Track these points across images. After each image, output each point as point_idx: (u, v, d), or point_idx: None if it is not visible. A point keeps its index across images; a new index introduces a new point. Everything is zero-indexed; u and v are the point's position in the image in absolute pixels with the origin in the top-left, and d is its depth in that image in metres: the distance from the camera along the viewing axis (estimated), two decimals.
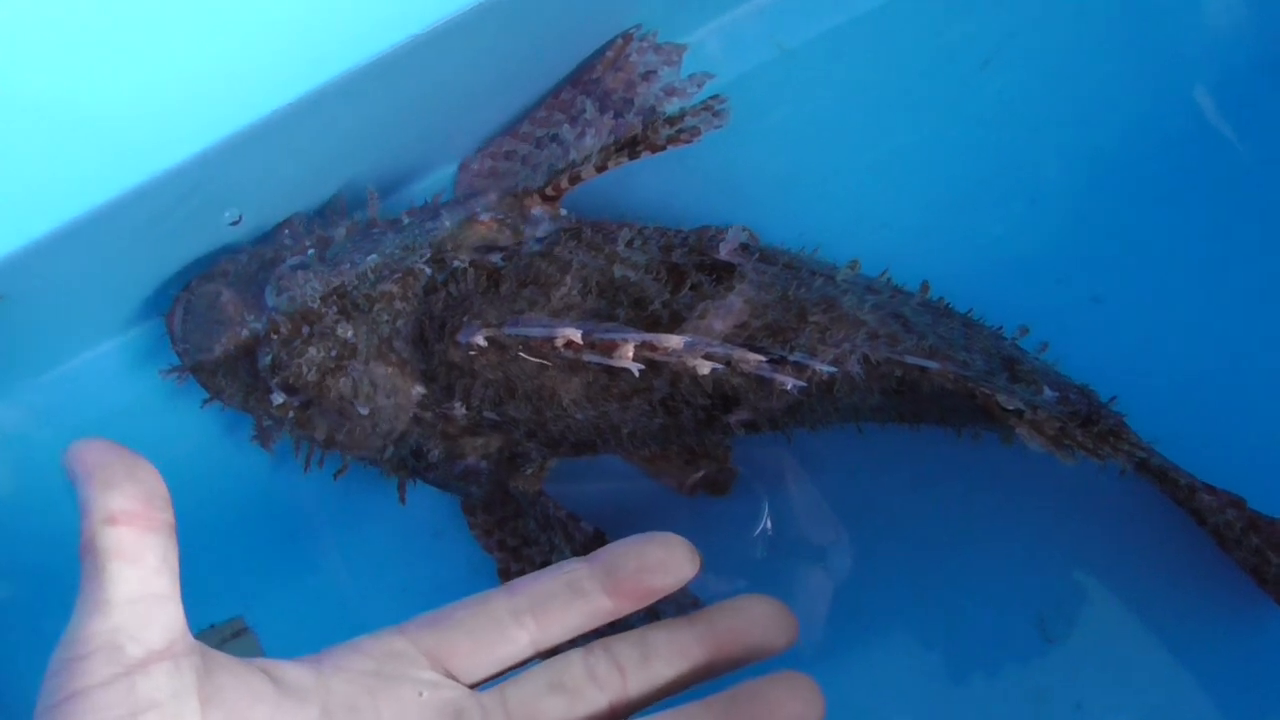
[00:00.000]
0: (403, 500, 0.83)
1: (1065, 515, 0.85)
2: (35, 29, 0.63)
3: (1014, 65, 0.90)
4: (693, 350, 0.68)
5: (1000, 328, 0.81)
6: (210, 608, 0.88)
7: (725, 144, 0.87)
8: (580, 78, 0.88)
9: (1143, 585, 0.84)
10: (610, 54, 0.87)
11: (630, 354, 0.68)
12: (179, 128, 0.72)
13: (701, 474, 0.84)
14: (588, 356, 0.69)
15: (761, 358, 0.68)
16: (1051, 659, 0.83)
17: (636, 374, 0.69)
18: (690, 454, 0.84)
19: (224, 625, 0.88)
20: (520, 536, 0.83)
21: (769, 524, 0.87)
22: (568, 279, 0.74)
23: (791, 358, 0.70)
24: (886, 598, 0.86)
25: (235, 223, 0.81)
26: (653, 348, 0.68)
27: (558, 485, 0.85)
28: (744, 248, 0.78)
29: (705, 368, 0.68)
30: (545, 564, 0.82)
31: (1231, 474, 0.77)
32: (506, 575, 0.84)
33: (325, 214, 0.86)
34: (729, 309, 0.73)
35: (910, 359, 0.71)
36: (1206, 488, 0.77)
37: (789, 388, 0.69)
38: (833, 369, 0.69)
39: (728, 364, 0.68)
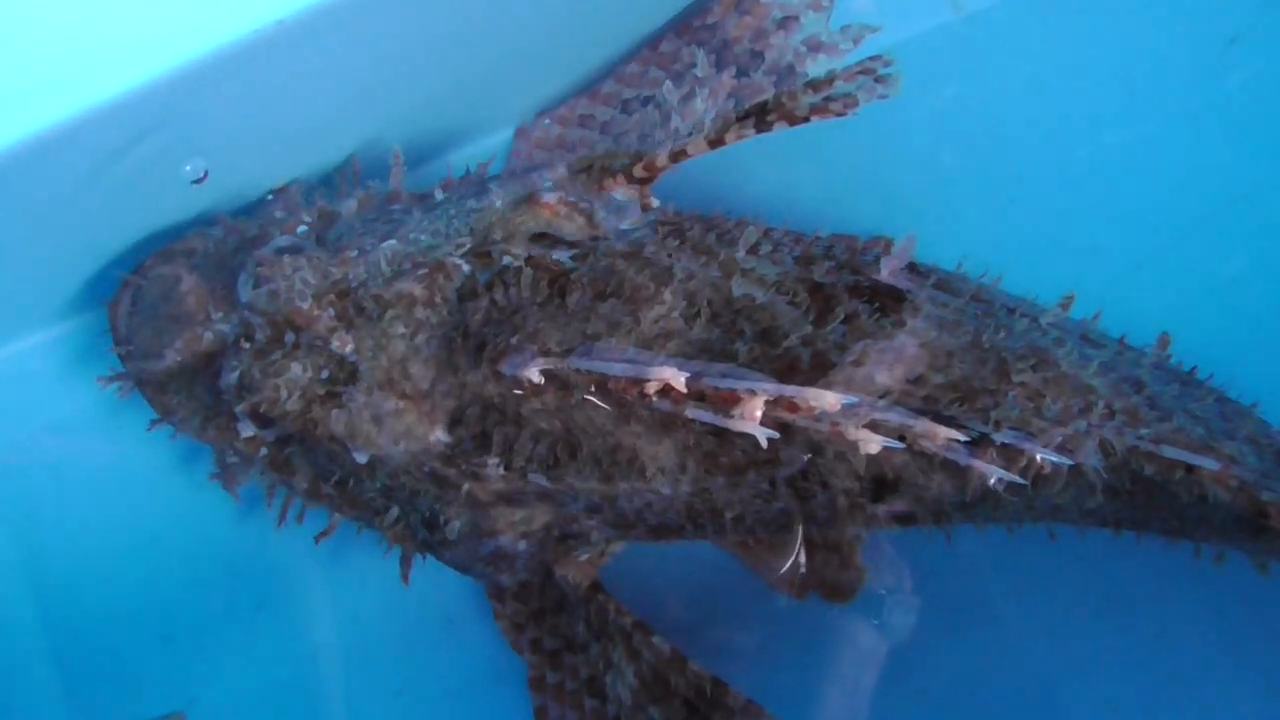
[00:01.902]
0: (405, 580, 0.65)
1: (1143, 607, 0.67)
2: None
3: (1266, 51, 0.72)
4: (851, 416, 0.46)
5: (1257, 405, 0.60)
6: (147, 697, 0.73)
7: (873, 126, 0.65)
8: (689, 23, 0.71)
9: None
10: None
11: (757, 414, 0.48)
12: (130, 43, 0.53)
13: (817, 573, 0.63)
14: (692, 411, 0.50)
15: (957, 434, 0.46)
16: None
17: (765, 443, 0.47)
18: (809, 546, 0.63)
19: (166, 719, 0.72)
20: (562, 639, 0.66)
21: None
22: (667, 294, 0.55)
23: (998, 437, 0.47)
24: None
25: (199, 180, 0.62)
26: (793, 407, 0.48)
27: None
28: (912, 268, 0.57)
29: (872, 444, 0.46)
30: (592, 679, 0.64)
31: None
32: (540, 686, 0.66)
33: (333, 181, 0.68)
34: (898, 354, 0.52)
35: (1171, 452, 0.49)
36: None
37: (993, 482, 0.47)
38: (1063, 460, 0.47)
39: (903, 440, 0.46)
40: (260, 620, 0.73)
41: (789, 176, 0.72)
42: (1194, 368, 0.62)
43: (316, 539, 0.67)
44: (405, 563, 0.66)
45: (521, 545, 0.60)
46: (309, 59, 0.58)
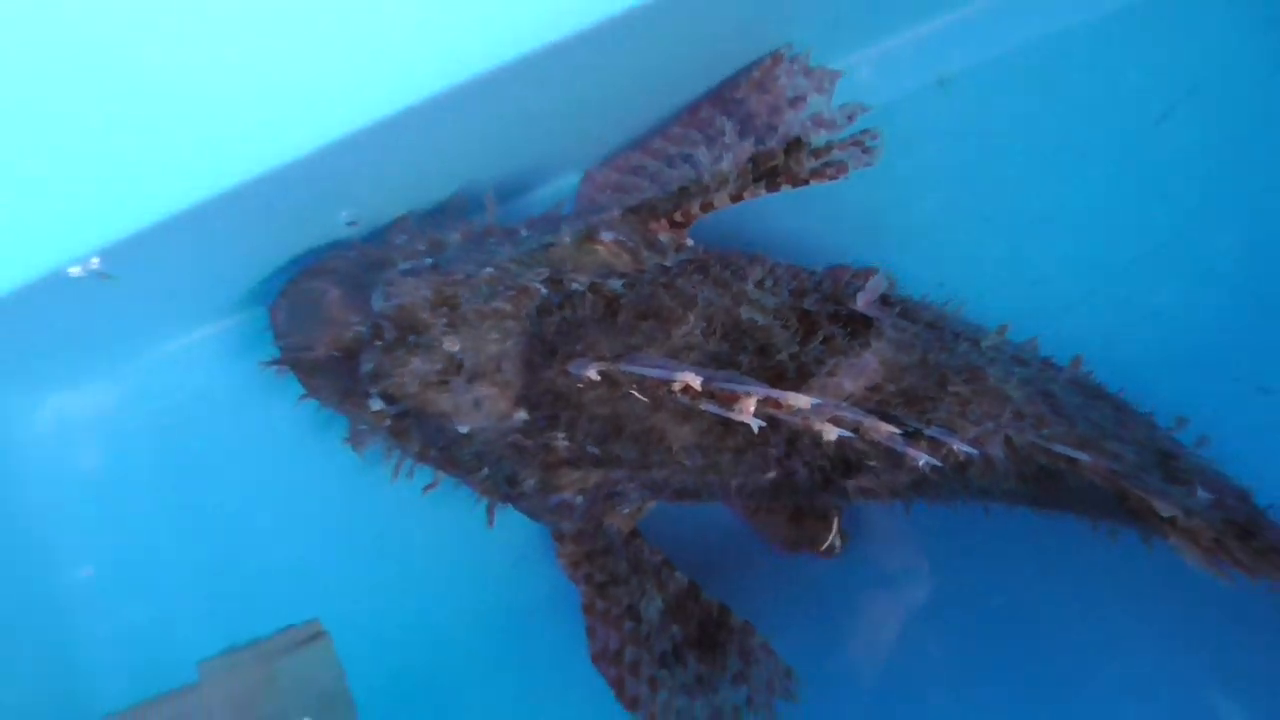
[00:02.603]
0: (491, 524, 0.80)
1: (1147, 599, 0.79)
2: (160, 17, 0.60)
3: (1196, 121, 0.85)
4: (820, 413, 0.63)
5: (1152, 414, 0.74)
6: (284, 608, 0.87)
7: (870, 178, 0.80)
8: (722, 95, 0.84)
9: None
10: (757, 74, 0.83)
11: (751, 408, 0.63)
12: (298, 122, 0.69)
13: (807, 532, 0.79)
14: (705, 405, 0.64)
15: (894, 429, 0.63)
16: None
17: (756, 430, 0.64)
18: (798, 512, 0.79)
19: (301, 627, 0.87)
20: (609, 574, 0.80)
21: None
22: (691, 316, 0.70)
23: (928, 431, 0.64)
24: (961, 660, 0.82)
25: (352, 224, 0.78)
26: (776, 405, 0.63)
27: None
28: (884, 299, 0.72)
29: (831, 433, 0.63)
30: (631, 607, 0.79)
31: None
32: (591, 610, 0.81)
33: (440, 216, 0.83)
34: (862, 368, 0.68)
35: (1058, 448, 0.65)
36: None
37: (921, 464, 0.64)
38: (972, 450, 0.64)
39: (856, 431, 0.63)
40: (376, 553, 0.88)
41: (801, 218, 0.85)
42: (1090, 373, 0.74)
43: (424, 490, 0.81)
44: (490, 510, 0.80)
45: (579, 500, 0.75)
46: (434, 128, 0.73)
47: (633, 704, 0.79)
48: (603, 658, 0.80)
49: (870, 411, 0.64)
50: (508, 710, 0.86)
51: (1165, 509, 0.63)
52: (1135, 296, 0.83)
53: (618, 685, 0.79)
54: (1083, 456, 0.64)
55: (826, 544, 0.79)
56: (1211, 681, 0.77)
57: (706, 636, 0.77)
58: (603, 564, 0.80)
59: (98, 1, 0.60)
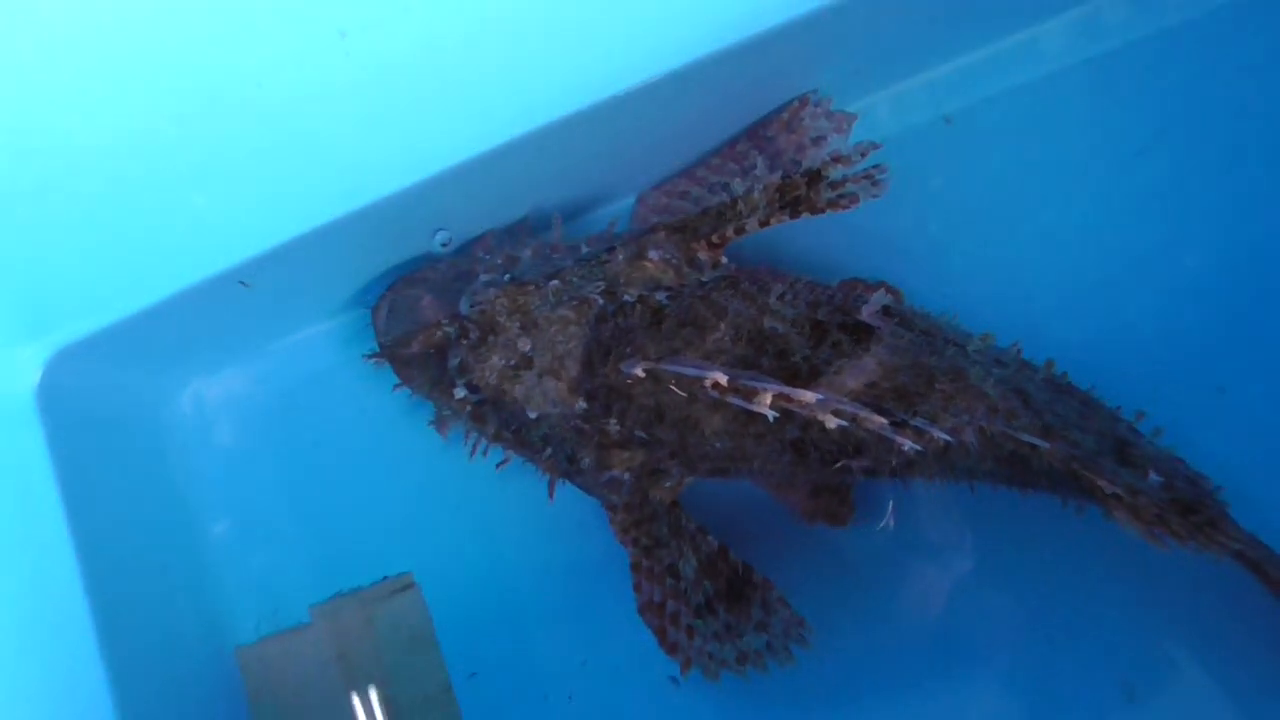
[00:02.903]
0: (551, 498, 0.93)
1: (1164, 585, 0.90)
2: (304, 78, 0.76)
3: (1169, 157, 0.95)
4: (823, 406, 0.76)
5: (1119, 409, 0.86)
6: (381, 561, 1.01)
7: (885, 204, 0.92)
8: (756, 132, 0.97)
9: (1231, 661, 0.88)
10: (786, 115, 0.95)
11: (768, 401, 0.76)
12: (403, 160, 0.84)
13: (822, 506, 0.92)
14: (730, 398, 0.77)
15: (884, 420, 0.75)
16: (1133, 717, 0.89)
17: (771, 419, 0.77)
18: (815, 487, 0.92)
19: (395, 578, 1.00)
20: (653, 538, 0.92)
21: (892, 521, 0.94)
22: (722, 325, 0.83)
23: (913, 422, 0.77)
24: (989, 620, 0.93)
25: (445, 245, 0.92)
26: (788, 399, 0.75)
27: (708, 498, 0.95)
28: (885, 310, 0.85)
29: (832, 422, 0.76)
30: (671, 566, 0.92)
31: None
32: (638, 569, 0.93)
33: (515, 233, 0.96)
34: (863, 369, 0.81)
35: (1024, 436, 0.78)
36: None
37: (906, 449, 0.77)
38: (949, 437, 0.77)
39: (853, 421, 0.76)
40: (457, 518, 0.99)
41: (824, 238, 0.96)
42: (1065, 374, 0.85)
43: (497, 466, 0.95)
44: (551, 485, 0.93)
45: (626, 476, 0.89)
46: (515, 163, 0.86)
47: (673, 649, 0.91)
48: (648, 609, 0.91)
49: (867, 405, 0.77)
50: (567, 652, 0.97)
51: (1108, 488, 0.75)
52: (1112, 308, 0.94)
53: (660, 633, 0.91)
54: (1043, 443, 0.77)
55: (842, 517, 0.92)
56: (1168, 634, 0.90)
57: (734, 591, 0.89)
58: (648, 530, 0.91)
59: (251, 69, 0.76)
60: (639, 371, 0.81)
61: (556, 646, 0.98)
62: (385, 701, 0.99)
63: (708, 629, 0.90)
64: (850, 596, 0.94)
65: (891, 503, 0.94)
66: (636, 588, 0.92)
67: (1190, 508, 0.79)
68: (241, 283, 0.88)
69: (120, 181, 0.78)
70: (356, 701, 0.99)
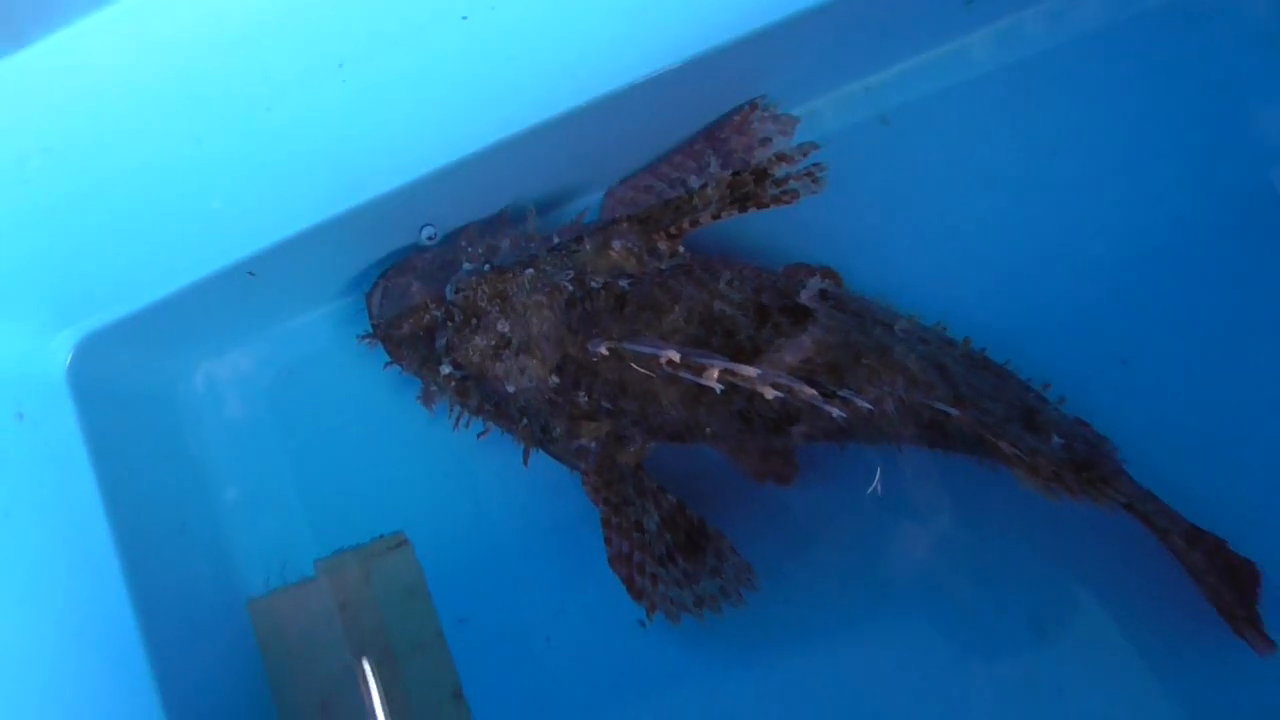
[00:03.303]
0: (525, 463, 1.02)
1: (1071, 536, 1.01)
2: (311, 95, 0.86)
3: (1079, 155, 1.06)
4: (763, 379, 0.86)
5: (1030, 380, 0.97)
6: (376, 521, 1.10)
7: (829, 197, 1.02)
8: (711, 134, 1.06)
9: (1129, 596, 1.00)
10: (738, 118, 1.05)
11: (715, 376, 0.85)
12: (394, 160, 0.94)
13: (771, 467, 1.04)
14: (683, 373, 0.87)
15: (814, 391, 0.86)
16: (1044, 653, 1.01)
17: (718, 391, 0.88)
18: (764, 450, 1.03)
19: (389, 537, 1.08)
20: (621, 497, 1.00)
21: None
22: (677, 308, 0.93)
23: (840, 393, 0.88)
24: (918, 568, 1.04)
25: (431, 239, 1.03)
26: (732, 374, 0.85)
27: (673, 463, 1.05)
28: (822, 294, 0.96)
29: (770, 394, 0.86)
30: (637, 521, 1.00)
31: (1229, 513, 0.94)
32: (608, 525, 1.01)
33: (494, 225, 1.06)
34: (799, 347, 0.91)
35: (938, 405, 0.89)
36: (1189, 531, 0.92)
37: (834, 416, 0.88)
38: (870, 407, 0.88)
39: (789, 393, 0.87)
40: (444, 482, 1.07)
41: (775, 228, 1.04)
42: (984, 351, 0.95)
43: (479, 436, 1.03)
44: (526, 453, 1.01)
45: (594, 445, 0.98)
46: (498, 167, 0.96)
47: (639, 595, 0.99)
48: (617, 560, 0.99)
49: (801, 379, 0.87)
50: (545, 600, 1.07)
51: (1008, 449, 0.87)
52: (1028, 289, 1.04)
53: (628, 582, 0.99)
54: (954, 411, 0.88)
55: (785, 471, 1.03)
56: (1072, 573, 1.01)
57: (691, 542, 0.99)
58: (616, 490, 1.00)
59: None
60: (604, 350, 0.90)
61: (536, 595, 1.08)
62: (383, 646, 1.10)
63: (669, 576, 1.00)
64: (795, 548, 1.05)
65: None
66: (607, 541, 1.01)
67: (1085, 466, 0.91)
68: (249, 273, 0.99)
69: (145, 192, 0.88)
70: (357, 647, 1.10)
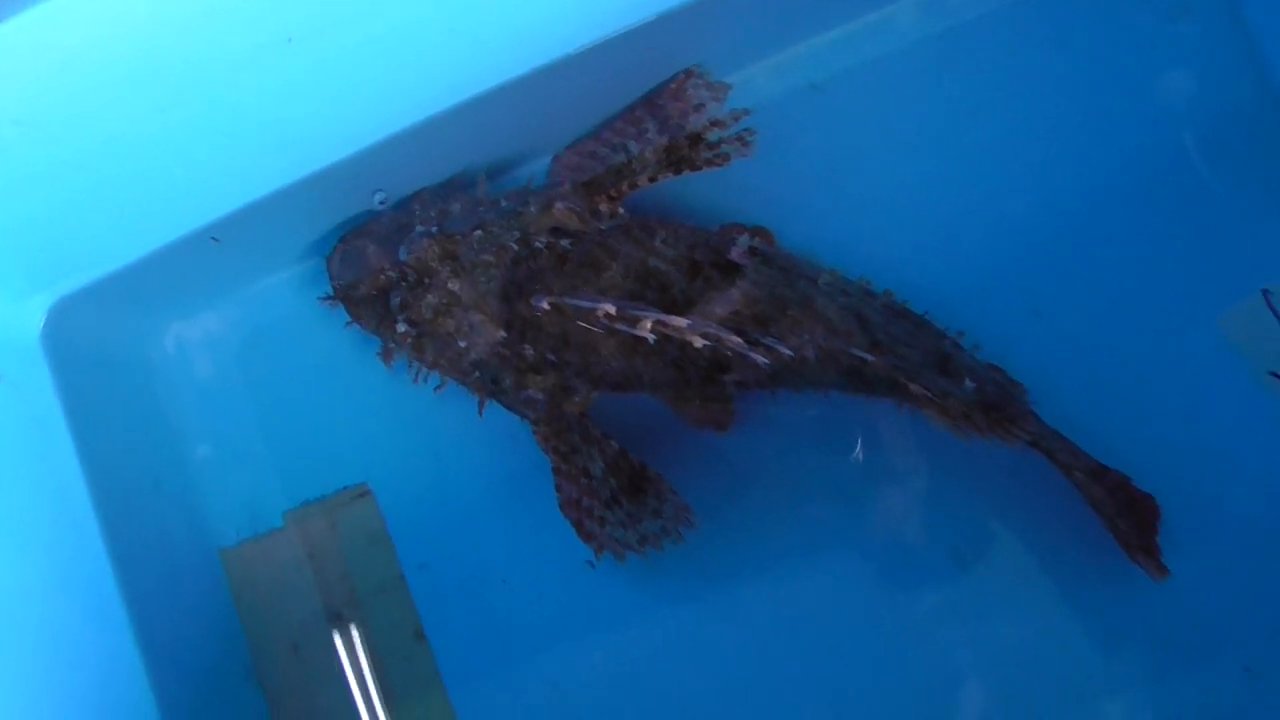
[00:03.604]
0: (480, 414, 1.06)
1: (986, 472, 1.09)
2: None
3: (997, 118, 1.12)
4: (692, 329, 0.93)
5: (948, 329, 1.04)
6: (340, 473, 1.15)
7: (764, 160, 1.09)
8: (651, 100, 1.11)
9: (1041, 529, 1.08)
10: (674, 85, 1.10)
11: (649, 327, 0.92)
12: (346, 129, 1.00)
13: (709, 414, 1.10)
14: (619, 325, 0.92)
15: (740, 340, 0.93)
16: (962, 582, 1.09)
17: (651, 341, 0.95)
18: (703, 399, 1.10)
19: (352, 488, 1.13)
20: (569, 445, 1.06)
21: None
22: (614, 265, 0.98)
23: (764, 341, 0.95)
24: (847, 507, 1.12)
25: (383, 203, 1.09)
26: (664, 325, 0.91)
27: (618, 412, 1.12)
28: (752, 251, 1.02)
29: (699, 342, 0.93)
30: (584, 468, 1.07)
31: (1132, 450, 1.02)
32: (558, 472, 1.08)
33: (446, 189, 1.10)
34: (728, 300, 0.98)
35: (855, 351, 0.96)
36: (1093, 468, 1.00)
37: (760, 363, 0.95)
38: (791, 353, 0.95)
39: (717, 341, 0.94)
40: (404, 434, 1.12)
41: (714, 189, 1.09)
42: (906, 303, 1.01)
43: (435, 389, 1.06)
44: (480, 405, 1.05)
45: (541, 396, 1.03)
46: (445, 131, 1.00)
47: (588, 538, 1.06)
48: (567, 505, 1.05)
49: (729, 329, 0.94)
50: (500, 544, 1.13)
51: (919, 391, 0.94)
52: (949, 244, 1.09)
53: (578, 525, 1.06)
54: (869, 357, 0.95)
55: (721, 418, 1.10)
56: (989, 509, 1.09)
57: (633, 486, 1.05)
58: (565, 438, 1.05)
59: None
60: (545, 305, 0.96)
61: (491, 540, 1.14)
62: (348, 591, 1.16)
63: (615, 519, 1.07)
64: (732, 490, 1.12)
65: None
66: (557, 488, 1.07)
67: (995, 407, 0.98)
68: (213, 239, 1.05)
69: (113, 162, 0.94)
70: (324, 592, 1.16)
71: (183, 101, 0.92)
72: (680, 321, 0.93)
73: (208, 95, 0.92)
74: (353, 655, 1.15)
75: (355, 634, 1.16)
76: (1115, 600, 1.05)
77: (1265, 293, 1.05)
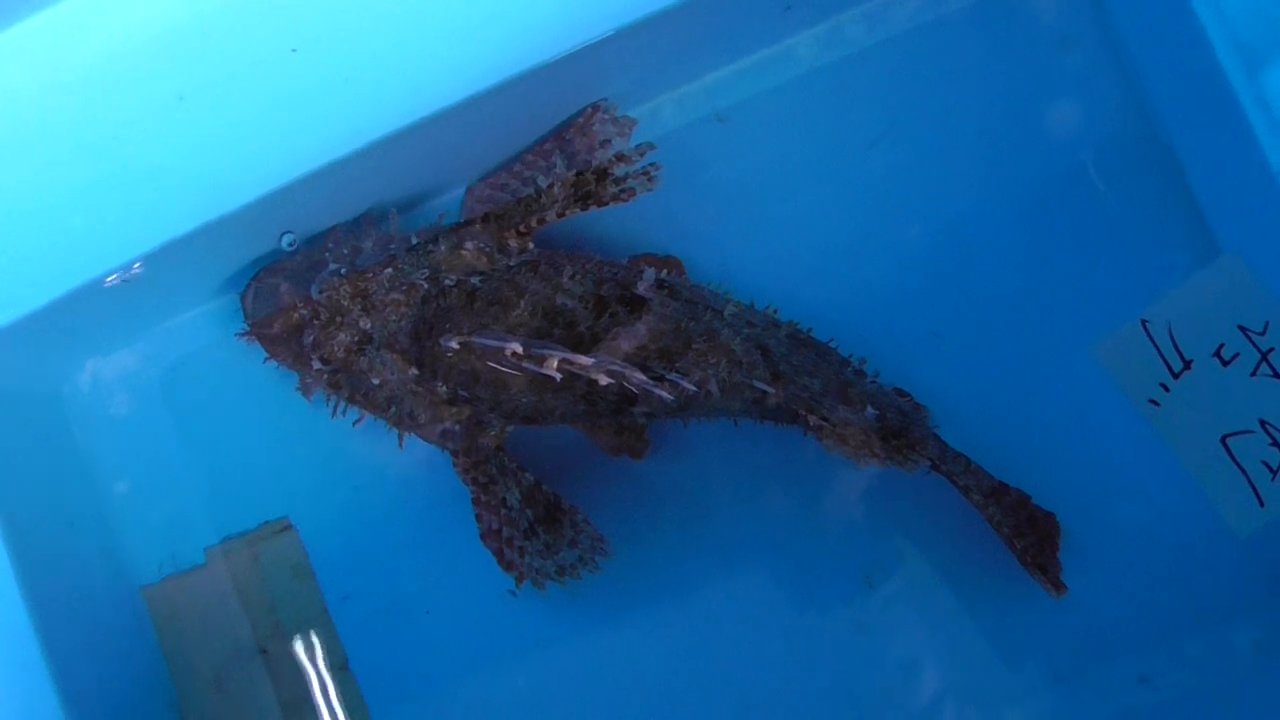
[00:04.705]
0: (400, 446, 1.09)
1: (896, 496, 1.13)
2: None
3: (896, 147, 1.15)
4: (597, 367, 0.95)
5: (850, 356, 1.08)
6: (262, 508, 1.16)
7: (671, 190, 1.10)
8: (560, 134, 1.13)
9: (945, 548, 1.12)
10: (581, 120, 1.12)
11: (555, 365, 0.93)
12: (248, 175, 1.01)
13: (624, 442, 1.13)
14: (525, 364, 0.94)
15: (644, 377, 0.95)
16: (872, 601, 1.12)
17: (558, 379, 0.97)
18: (618, 428, 1.12)
19: (275, 522, 1.15)
20: (488, 476, 1.09)
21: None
22: (522, 303, 1.00)
23: (669, 376, 0.97)
24: (760, 528, 1.16)
25: (291, 244, 1.09)
26: (570, 362, 0.93)
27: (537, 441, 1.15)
28: (659, 284, 1.04)
29: (604, 380, 0.95)
30: (503, 499, 1.09)
31: (1032, 467, 1.07)
32: (478, 503, 1.11)
33: (359, 226, 1.12)
34: (635, 334, 1.00)
35: (756, 383, 0.98)
36: (993, 488, 1.03)
37: (665, 398, 0.97)
38: (694, 389, 0.97)
39: (621, 378, 0.96)
40: (325, 467, 1.13)
41: (623, 221, 1.13)
42: (810, 331, 1.03)
43: (354, 424, 1.09)
44: (401, 437, 1.08)
45: (457, 428, 1.06)
46: (355, 175, 1.01)
47: (509, 567, 1.09)
48: (488, 535, 1.08)
49: (635, 365, 0.96)
50: (423, 575, 1.15)
51: (815, 421, 0.97)
52: (851, 271, 1.13)
53: (498, 554, 1.08)
54: (770, 389, 0.98)
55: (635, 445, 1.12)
56: (897, 531, 1.13)
57: (550, 516, 1.08)
58: (483, 470, 1.08)
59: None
60: (454, 345, 0.99)
61: (414, 571, 1.16)
62: (272, 625, 1.17)
63: (533, 548, 1.09)
64: (648, 516, 1.15)
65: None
66: (478, 518, 1.09)
67: (895, 434, 1.01)
68: (124, 281, 1.05)
69: (20, 210, 0.96)
70: (249, 626, 1.17)
71: (81, 163, 0.94)
72: (586, 360, 0.95)
73: (109, 153, 0.93)
74: (279, 689, 1.17)
75: (280, 667, 1.17)
76: (1016, 614, 1.09)
77: (1144, 322, 1.09)
